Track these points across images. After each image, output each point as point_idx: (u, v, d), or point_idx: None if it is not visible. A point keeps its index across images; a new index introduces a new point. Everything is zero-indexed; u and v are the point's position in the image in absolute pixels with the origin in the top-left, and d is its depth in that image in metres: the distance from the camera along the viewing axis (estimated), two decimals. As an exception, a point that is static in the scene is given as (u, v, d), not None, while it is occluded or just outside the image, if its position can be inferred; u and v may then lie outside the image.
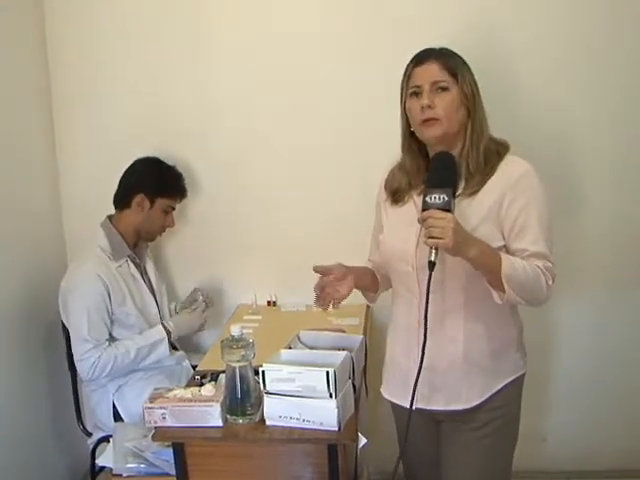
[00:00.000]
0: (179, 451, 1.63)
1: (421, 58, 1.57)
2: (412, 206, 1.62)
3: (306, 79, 2.46)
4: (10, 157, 2.31)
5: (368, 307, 2.39)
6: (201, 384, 1.76)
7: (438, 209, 1.41)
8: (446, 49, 1.59)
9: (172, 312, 2.51)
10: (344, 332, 2.01)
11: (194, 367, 2.27)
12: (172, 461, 1.65)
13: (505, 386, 1.62)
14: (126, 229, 2.30)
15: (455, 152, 1.57)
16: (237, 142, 2.54)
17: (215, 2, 2.47)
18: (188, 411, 1.61)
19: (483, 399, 1.60)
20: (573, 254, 2.39)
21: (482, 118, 1.58)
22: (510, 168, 1.56)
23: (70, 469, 2.60)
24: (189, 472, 1.64)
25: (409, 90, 1.58)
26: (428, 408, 1.63)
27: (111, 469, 1.91)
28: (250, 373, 1.60)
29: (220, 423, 1.61)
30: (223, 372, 1.67)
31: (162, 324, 2.31)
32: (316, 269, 1.67)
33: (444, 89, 1.54)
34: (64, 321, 2.23)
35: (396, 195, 1.67)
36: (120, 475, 1.88)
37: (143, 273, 2.37)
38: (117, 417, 2.23)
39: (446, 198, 1.41)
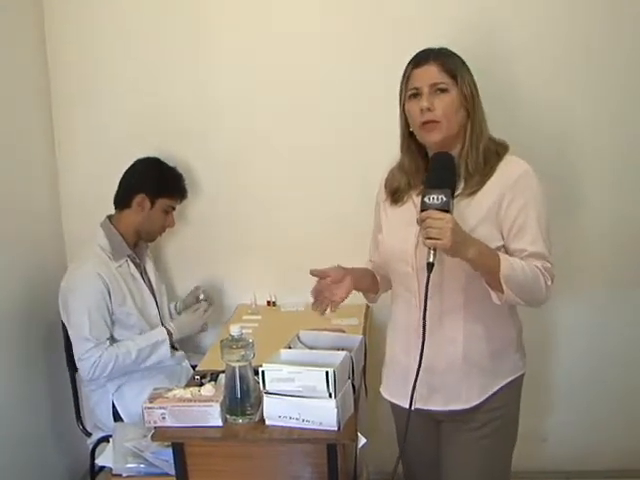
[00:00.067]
0: (179, 451, 1.63)
1: (420, 59, 1.57)
2: (411, 206, 1.62)
3: (306, 79, 2.46)
4: (9, 157, 2.31)
5: (367, 307, 2.39)
6: (201, 384, 1.76)
7: (437, 210, 1.41)
8: (445, 49, 1.59)
9: (172, 312, 2.51)
10: (344, 332, 2.02)
11: (194, 367, 2.27)
12: (172, 461, 1.65)
13: (504, 386, 1.62)
14: (126, 229, 2.30)
15: (454, 153, 1.57)
16: (237, 142, 2.54)
17: (215, 2, 2.47)
18: (188, 411, 1.61)
19: (482, 399, 1.60)
20: (573, 254, 2.39)
21: (481, 119, 1.58)
22: (509, 168, 1.56)
23: (70, 469, 2.60)
24: (189, 472, 1.64)
25: (408, 92, 1.58)
26: (427, 408, 1.63)
27: (111, 469, 1.91)
28: (250, 373, 1.60)
29: (220, 423, 1.61)
30: (223, 372, 1.67)
31: (164, 325, 2.31)
32: (313, 272, 1.66)
33: (443, 90, 1.54)
34: (64, 321, 2.23)
35: (395, 195, 1.67)
36: (120, 475, 1.88)
37: (143, 273, 2.37)
38: (117, 417, 2.22)
39: (445, 199, 1.41)
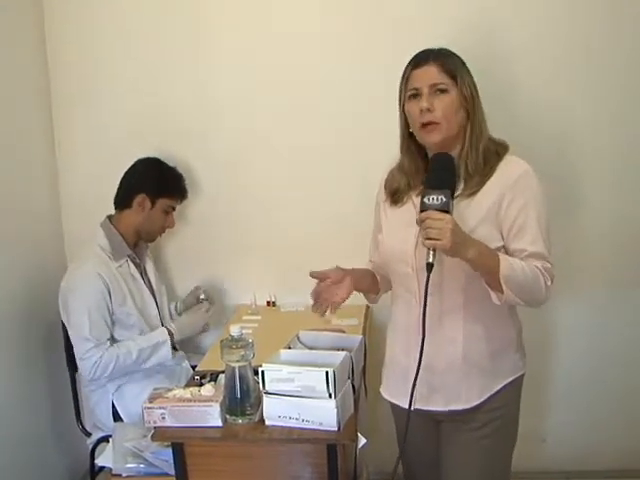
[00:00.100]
0: (178, 451, 1.63)
1: (420, 60, 1.57)
2: (411, 207, 1.62)
3: (306, 79, 2.45)
4: (9, 157, 2.31)
5: (367, 307, 2.39)
6: (200, 384, 1.76)
7: (436, 210, 1.41)
8: (445, 50, 1.59)
9: (172, 312, 2.51)
10: (343, 332, 2.02)
11: (193, 367, 2.27)
12: (171, 461, 1.65)
13: (504, 387, 1.62)
14: (126, 229, 2.30)
15: (454, 153, 1.57)
16: (237, 142, 2.54)
17: (215, 2, 2.47)
18: (187, 411, 1.61)
19: (483, 399, 1.60)
20: (573, 254, 2.40)
21: (481, 119, 1.58)
22: (509, 168, 1.56)
23: (69, 469, 2.60)
24: (188, 472, 1.64)
25: (408, 92, 1.57)
26: (427, 408, 1.63)
27: (110, 469, 1.91)
28: (249, 373, 1.60)
29: (219, 423, 1.61)
30: (222, 372, 1.67)
31: (165, 326, 2.31)
32: (313, 275, 1.66)
33: (443, 91, 1.53)
34: (64, 321, 2.23)
35: (395, 196, 1.67)
36: (119, 475, 1.88)
37: (143, 273, 2.37)
38: (116, 417, 2.22)
39: (444, 199, 1.41)
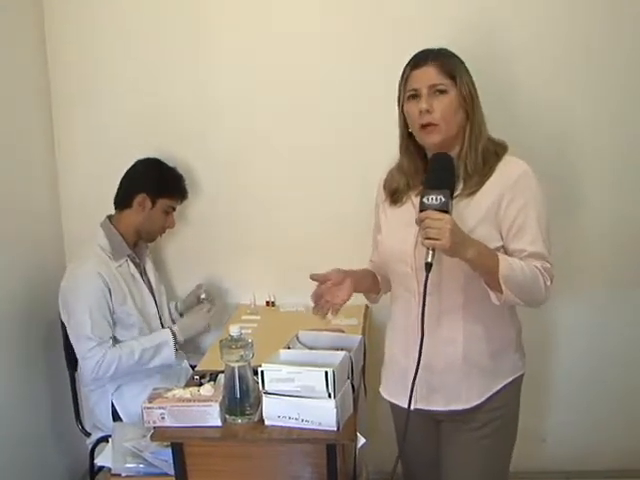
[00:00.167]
0: (178, 451, 1.62)
1: (419, 60, 1.56)
2: (410, 207, 1.62)
3: (306, 79, 2.45)
4: (9, 157, 2.31)
5: (367, 307, 2.39)
6: (200, 384, 1.76)
7: (435, 210, 1.41)
8: (444, 50, 1.59)
9: (172, 311, 2.51)
10: (343, 332, 2.02)
11: (193, 367, 2.27)
12: (171, 461, 1.65)
13: (504, 387, 1.63)
14: (126, 229, 2.30)
15: (453, 153, 1.57)
16: (237, 142, 2.54)
17: (215, 2, 2.47)
18: (187, 411, 1.61)
19: (483, 399, 1.60)
20: (572, 254, 2.40)
21: (480, 120, 1.58)
22: (508, 169, 1.56)
23: (69, 469, 2.60)
24: (188, 472, 1.63)
25: (407, 93, 1.57)
26: (428, 408, 1.63)
27: (110, 469, 1.90)
28: (249, 373, 1.60)
29: (219, 423, 1.61)
30: (222, 372, 1.67)
31: (169, 327, 2.31)
32: (313, 277, 1.66)
33: (442, 92, 1.53)
34: (64, 321, 2.23)
35: (395, 196, 1.67)
36: (119, 475, 1.87)
37: (142, 273, 2.37)
38: (116, 417, 2.22)
39: (443, 199, 1.41)
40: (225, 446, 1.63)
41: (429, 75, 1.54)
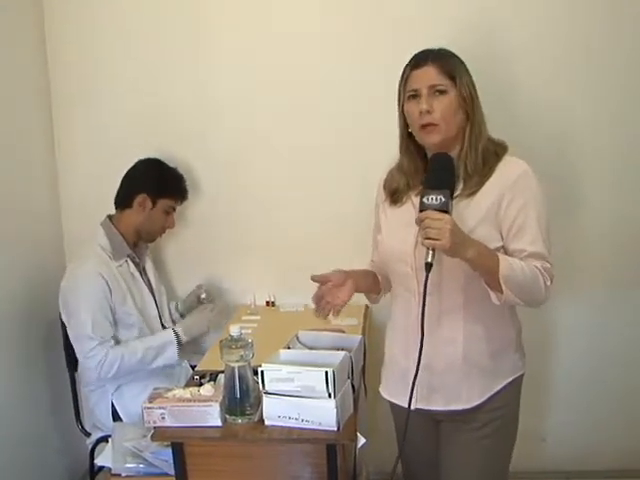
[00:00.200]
0: (178, 451, 1.62)
1: (419, 61, 1.56)
2: (410, 207, 1.62)
3: (306, 79, 2.46)
4: (9, 157, 2.31)
5: (367, 307, 2.39)
6: (200, 384, 1.76)
7: (435, 210, 1.41)
8: (444, 50, 1.59)
9: (173, 311, 2.51)
10: (343, 332, 2.02)
11: (193, 367, 2.27)
12: (171, 461, 1.65)
13: (505, 387, 1.63)
14: (127, 229, 2.30)
15: (453, 153, 1.57)
16: (237, 142, 2.54)
17: (215, 2, 2.47)
18: (187, 411, 1.61)
19: (483, 399, 1.60)
20: (572, 254, 2.40)
21: (480, 120, 1.58)
22: (508, 169, 1.56)
23: (69, 469, 2.60)
24: (188, 472, 1.63)
25: (407, 93, 1.57)
26: (428, 408, 1.63)
27: (110, 469, 1.90)
28: (249, 373, 1.60)
29: (219, 423, 1.61)
30: (222, 372, 1.66)
31: (172, 328, 2.30)
32: (314, 278, 1.66)
33: (442, 92, 1.53)
34: (64, 320, 2.23)
35: (395, 196, 1.67)
36: (119, 475, 1.87)
37: (142, 273, 2.37)
38: (116, 417, 2.22)
39: (443, 199, 1.41)
40: (225, 446, 1.63)
41: (429, 75, 1.54)
